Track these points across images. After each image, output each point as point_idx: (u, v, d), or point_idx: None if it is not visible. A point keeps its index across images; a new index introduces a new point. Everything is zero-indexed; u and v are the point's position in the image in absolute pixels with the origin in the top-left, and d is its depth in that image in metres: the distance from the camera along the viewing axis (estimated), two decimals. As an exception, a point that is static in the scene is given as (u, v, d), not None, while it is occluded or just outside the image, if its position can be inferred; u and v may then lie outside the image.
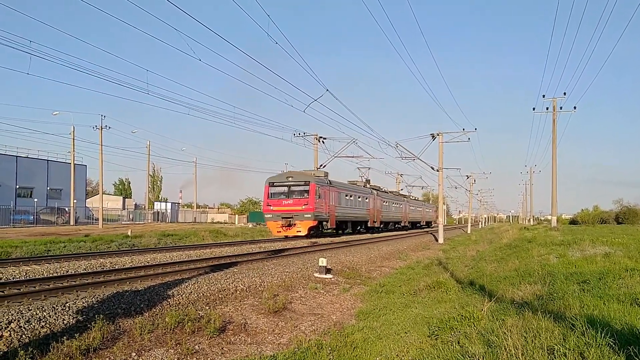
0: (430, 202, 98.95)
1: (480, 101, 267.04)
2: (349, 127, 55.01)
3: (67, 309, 8.64)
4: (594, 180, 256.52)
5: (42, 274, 13.44)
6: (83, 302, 9.13)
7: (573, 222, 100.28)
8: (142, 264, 15.62)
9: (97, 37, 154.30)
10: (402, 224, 59.20)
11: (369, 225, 44.40)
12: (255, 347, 8.02)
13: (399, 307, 10.71)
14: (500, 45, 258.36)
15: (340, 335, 8.36)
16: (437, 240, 40.01)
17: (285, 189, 32.45)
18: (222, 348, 7.85)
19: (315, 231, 33.76)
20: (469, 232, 65.33)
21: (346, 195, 38.22)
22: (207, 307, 10.18)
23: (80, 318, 8.29)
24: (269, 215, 32.66)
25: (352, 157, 46.22)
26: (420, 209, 72.95)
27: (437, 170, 41.79)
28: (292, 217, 31.49)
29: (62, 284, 11.73)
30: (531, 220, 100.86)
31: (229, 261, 17.28)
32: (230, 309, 10.30)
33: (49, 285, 11.44)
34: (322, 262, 15.83)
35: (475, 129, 41.44)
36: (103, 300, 9.43)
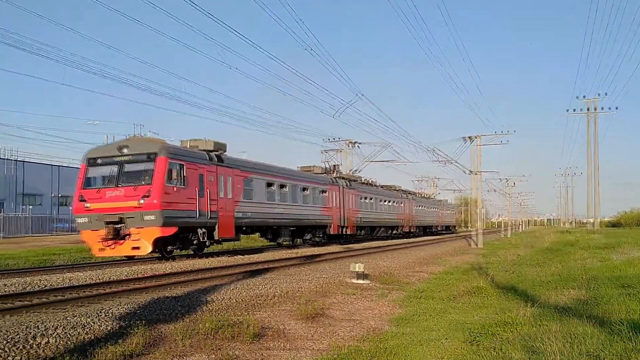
0: (468, 205, 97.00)
1: (514, 104, 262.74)
2: (382, 131, 54.97)
3: (110, 315, 8.84)
4: (632, 182, 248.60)
5: (85, 281, 13.78)
6: (124, 309, 9.32)
7: (613, 224, 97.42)
8: (181, 270, 15.87)
9: (130, 46, 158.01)
10: (399, 230, 44.99)
11: (330, 232, 30.99)
12: (294, 353, 8.03)
13: (437, 313, 10.59)
14: (533, 49, 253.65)
15: (378, 341, 8.31)
16: (476, 244, 39.54)
17: (114, 168, 18.10)
18: (261, 354, 7.88)
19: (180, 244, 19.54)
20: (508, 235, 64.29)
21: (269, 185, 24.78)
22: (245, 313, 10.26)
23: (122, 324, 8.47)
24: (82, 220, 18.10)
25: (387, 161, 46.02)
26: (434, 210, 58.85)
27: (476, 174, 41.31)
28: (121, 222, 17.35)
29: (104, 290, 12.00)
30: (573, 223, 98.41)
31: (264, 267, 17.39)
32: (267, 315, 10.36)
33: (91, 292, 11.74)
34: (359, 267, 15.76)
35: (515, 131, 40.75)
36: (144, 306, 9.62)
